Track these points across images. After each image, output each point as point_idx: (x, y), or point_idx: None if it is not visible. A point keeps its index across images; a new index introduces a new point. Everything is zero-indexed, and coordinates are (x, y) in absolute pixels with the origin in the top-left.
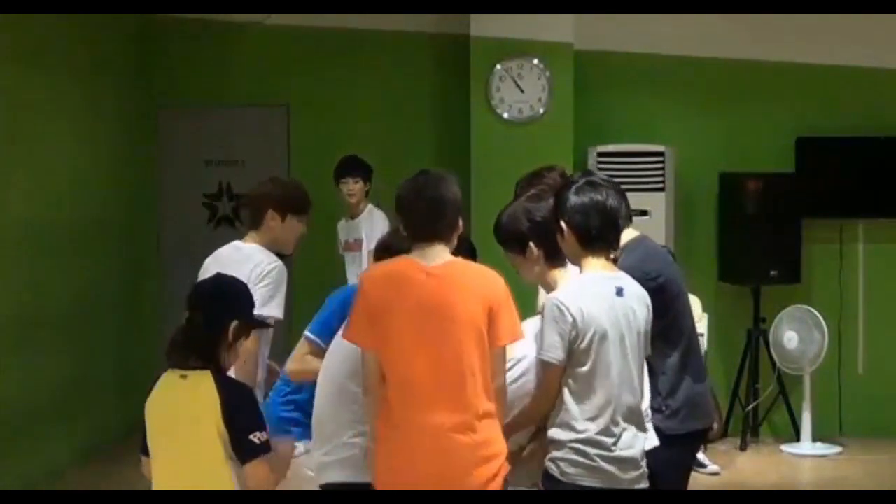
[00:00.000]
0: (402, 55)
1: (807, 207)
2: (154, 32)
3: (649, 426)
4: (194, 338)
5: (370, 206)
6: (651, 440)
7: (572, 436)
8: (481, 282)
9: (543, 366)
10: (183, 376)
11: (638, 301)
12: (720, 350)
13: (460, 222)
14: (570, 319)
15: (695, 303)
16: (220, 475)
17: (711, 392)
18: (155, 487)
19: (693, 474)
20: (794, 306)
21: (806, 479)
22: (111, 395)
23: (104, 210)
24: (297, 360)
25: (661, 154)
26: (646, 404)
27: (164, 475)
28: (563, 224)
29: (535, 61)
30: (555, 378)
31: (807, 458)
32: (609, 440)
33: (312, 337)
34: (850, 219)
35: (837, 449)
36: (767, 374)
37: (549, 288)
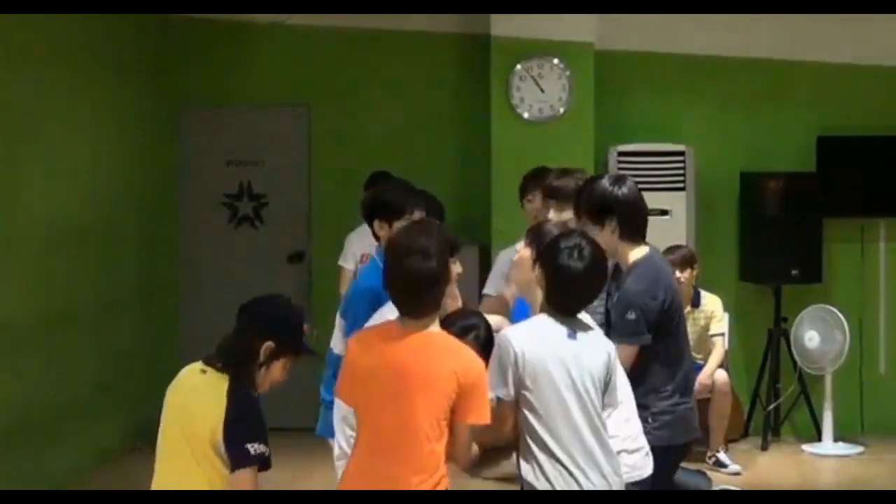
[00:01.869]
0: (422, 55)
1: (828, 207)
2: (175, 32)
3: (634, 456)
4: (227, 343)
5: None
6: (640, 470)
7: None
8: (454, 354)
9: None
10: (203, 371)
11: (594, 346)
12: (741, 349)
13: (444, 290)
14: (512, 355)
15: (716, 302)
16: (195, 474)
17: (733, 391)
18: (155, 475)
19: (715, 474)
20: (816, 306)
21: (828, 479)
22: (132, 396)
23: (125, 210)
24: None
25: (681, 154)
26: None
27: (159, 462)
28: (539, 272)
29: (556, 61)
30: (505, 412)
31: (828, 457)
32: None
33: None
34: (872, 218)
35: (859, 449)
36: (789, 373)
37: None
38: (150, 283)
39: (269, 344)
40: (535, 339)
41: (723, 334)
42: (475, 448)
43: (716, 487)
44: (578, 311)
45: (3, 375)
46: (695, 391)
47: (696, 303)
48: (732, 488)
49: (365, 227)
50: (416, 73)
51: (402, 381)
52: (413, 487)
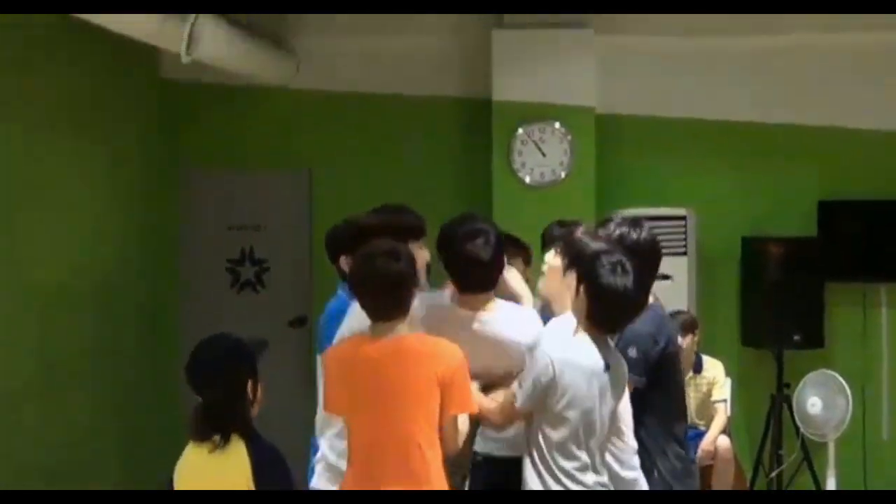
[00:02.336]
0: (424, 119)
1: (829, 271)
2: (177, 95)
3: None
4: (214, 411)
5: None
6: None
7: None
8: (432, 357)
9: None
10: (211, 451)
11: (618, 379)
12: (743, 415)
13: (414, 292)
14: (549, 376)
15: (718, 368)
16: None
17: (735, 457)
18: None
19: None
20: (818, 371)
21: None
22: (132, 462)
23: (126, 275)
24: None
25: (682, 218)
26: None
27: None
28: (582, 289)
29: (557, 125)
30: (517, 415)
31: None
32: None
33: None
34: (874, 283)
35: None
36: (791, 439)
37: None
38: (152, 349)
39: (250, 381)
40: (574, 365)
41: (725, 400)
42: (463, 430)
43: None
44: (620, 329)
45: (4, 414)
46: (697, 458)
47: (697, 368)
48: None
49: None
50: (417, 137)
51: (385, 392)
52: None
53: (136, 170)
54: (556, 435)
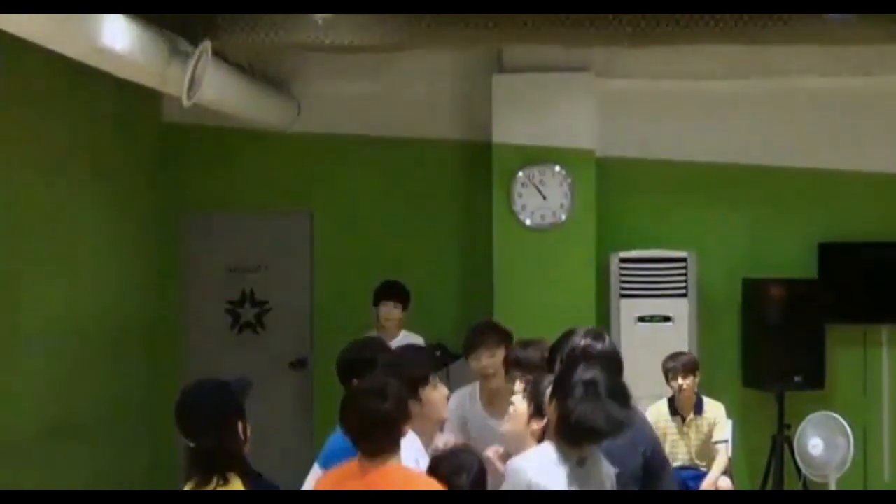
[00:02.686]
0: (424, 162)
1: (830, 313)
2: (176, 138)
3: None
4: (216, 458)
5: (404, 332)
6: None
7: None
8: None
9: None
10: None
11: (601, 471)
12: (745, 456)
13: (404, 429)
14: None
15: (718, 409)
16: None
17: None
18: None
19: None
20: (819, 412)
21: None
22: None
23: (126, 318)
24: None
25: (683, 260)
26: None
27: None
28: (551, 409)
29: (557, 168)
30: None
31: None
32: None
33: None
34: (874, 324)
35: None
36: (793, 480)
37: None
38: (153, 390)
39: (240, 423)
40: (546, 471)
41: (726, 441)
42: None
43: None
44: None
45: (4, 480)
46: None
47: (698, 410)
48: None
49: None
50: (418, 179)
51: None
52: None
53: (135, 212)
54: None
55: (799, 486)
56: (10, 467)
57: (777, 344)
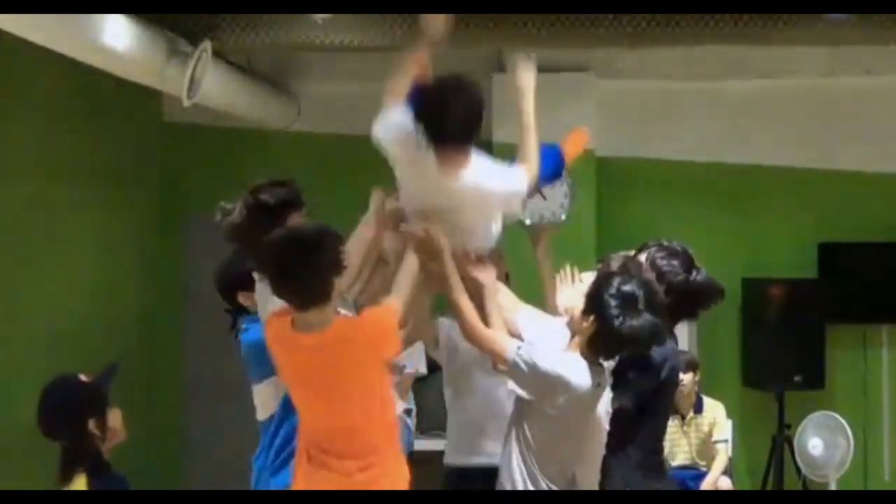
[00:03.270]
0: None
1: (830, 313)
2: (178, 138)
3: None
4: (71, 457)
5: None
6: None
7: None
8: (362, 337)
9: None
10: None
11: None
12: (745, 456)
13: (341, 274)
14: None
15: (718, 408)
16: None
17: None
18: None
19: None
20: (819, 412)
21: None
22: None
23: (128, 321)
24: None
25: None
26: None
27: None
28: (592, 319)
29: None
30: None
31: None
32: None
33: None
34: (874, 324)
35: None
36: (793, 480)
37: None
38: (154, 394)
39: (92, 421)
40: (582, 377)
41: (726, 441)
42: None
43: None
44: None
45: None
46: None
47: (698, 409)
48: None
49: None
50: None
51: (319, 387)
52: (358, 483)
53: (137, 215)
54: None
55: (799, 486)
56: (12, 465)
57: (777, 344)
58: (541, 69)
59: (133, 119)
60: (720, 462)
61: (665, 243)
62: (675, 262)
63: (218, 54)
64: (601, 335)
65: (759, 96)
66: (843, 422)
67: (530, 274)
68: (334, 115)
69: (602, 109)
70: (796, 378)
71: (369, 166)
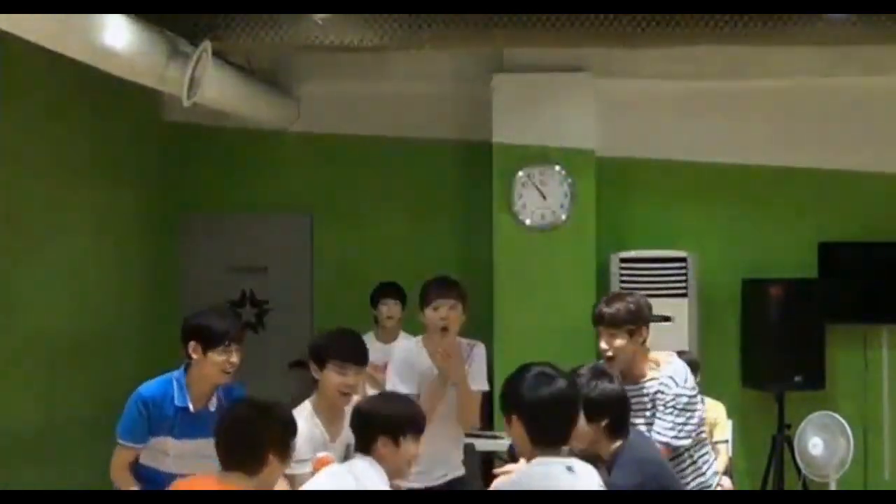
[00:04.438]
0: (424, 162)
1: (830, 313)
2: (177, 138)
3: None
4: None
5: (403, 333)
6: None
7: None
8: None
9: None
10: None
11: (589, 478)
12: (745, 456)
13: (270, 456)
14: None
15: (719, 409)
16: None
17: None
18: None
19: None
20: (819, 412)
21: None
22: None
23: (126, 318)
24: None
25: (683, 260)
26: None
27: None
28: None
29: (557, 168)
30: None
31: None
32: None
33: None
34: (874, 324)
35: None
36: (793, 480)
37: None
38: None
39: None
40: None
41: (726, 441)
42: None
43: None
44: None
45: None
46: None
47: None
48: None
49: (368, 337)
50: (418, 179)
51: None
52: None
53: (135, 212)
54: None
55: (799, 486)
56: (9, 465)
57: (777, 344)
58: (541, 69)
59: (133, 118)
60: (721, 462)
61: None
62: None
63: (218, 54)
64: (529, 418)
65: (758, 96)
66: (843, 422)
67: (521, 278)
68: (334, 116)
69: (602, 110)
70: (796, 378)
71: (368, 166)
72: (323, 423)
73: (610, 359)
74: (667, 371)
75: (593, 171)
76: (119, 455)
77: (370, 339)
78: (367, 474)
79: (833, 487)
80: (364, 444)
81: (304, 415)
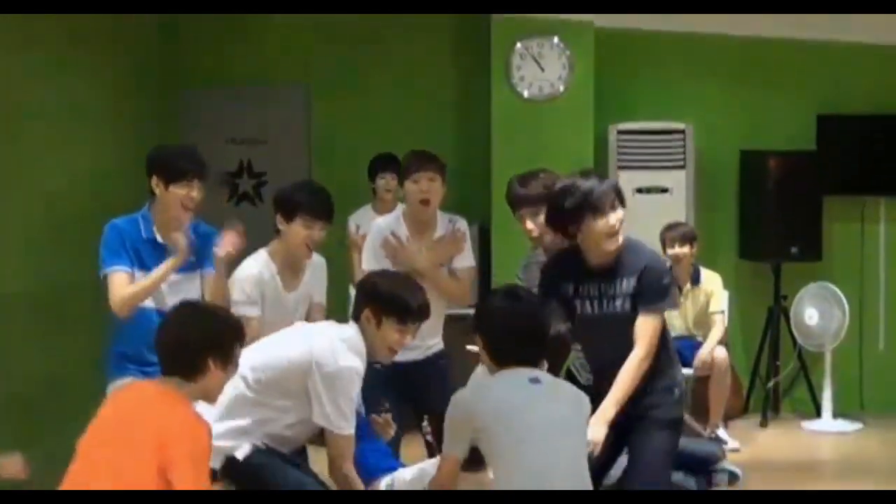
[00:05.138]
0: (423, 34)
1: (828, 185)
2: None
3: None
4: None
5: (400, 205)
6: None
7: None
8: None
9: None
10: None
11: (556, 391)
12: (741, 327)
13: (210, 361)
14: (467, 413)
15: (715, 279)
16: None
17: (732, 368)
18: None
19: None
20: (815, 283)
21: (826, 455)
22: None
23: (124, 187)
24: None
25: (681, 132)
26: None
27: None
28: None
29: (556, 40)
30: (447, 468)
31: (827, 434)
32: None
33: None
34: (872, 196)
35: (858, 425)
36: (788, 351)
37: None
38: None
39: None
40: (495, 389)
41: (722, 311)
42: None
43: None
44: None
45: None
46: (694, 368)
47: (695, 280)
48: (732, 468)
49: (366, 210)
50: (416, 51)
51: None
52: None
53: (134, 84)
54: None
55: (794, 356)
56: (4, 331)
57: (774, 216)
58: None
59: None
60: (716, 332)
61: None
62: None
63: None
64: (492, 334)
65: None
66: (840, 293)
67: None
68: None
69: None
70: (793, 250)
71: (367, 38)
72: (278, 270)
73: (536, 238)
74: None
75: (592, 42)
76: (114, 283)
77: (368, 212)
78: (328, 339)
79: (828, 358)
80: (355, 312)
81: (259, 259)
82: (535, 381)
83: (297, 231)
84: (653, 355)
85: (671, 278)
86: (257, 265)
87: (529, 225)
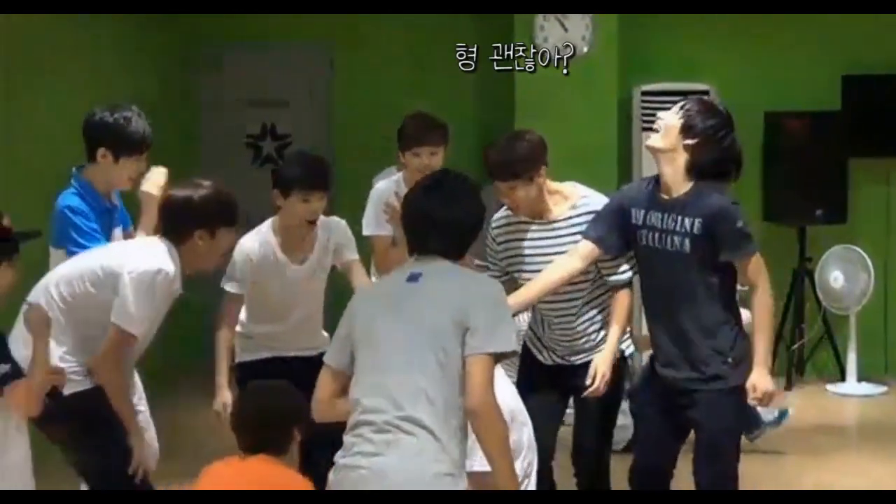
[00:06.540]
0: None
1: (853, 147)
2: None
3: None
4: None
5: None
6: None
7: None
8: None
9: None
10: None
11: (436, 283)
12: None
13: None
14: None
15: None
16: None
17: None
18: None
19: None
20: (840, 246)
21: (850, 418)
22: None
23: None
24: None
25: (705, 93)
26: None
27: None
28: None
29: None
30: (325, 378)
31: (852, 397)
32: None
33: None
34: None
35: (883, 388)
36: (813, 313)
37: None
38: None
39: None
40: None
41: None
42: None
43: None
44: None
45: None
46: None
47: None
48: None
49: (390, 171)
50: (438, 15)
51: None
52: None
53: (157, 45)
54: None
55: (819, 319)
56: None
57: (799, 178)
58: None
59: None
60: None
61: (706, 100)
62: (712, 122)
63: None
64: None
65: None
66: (865, 255)
67: (543, 112)
68: None
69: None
70: (818, 212)
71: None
72: (281, 245)
73: (514, 209)
74: (581, 203)
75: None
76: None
77: (392, 173)
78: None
79: (853, 321)
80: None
81: (261, 233)
82: (414, 278)
83: (295, 205)
84: (769, 290)
85: (745, 221)
86: (257, 240)
87: (505, 197)
